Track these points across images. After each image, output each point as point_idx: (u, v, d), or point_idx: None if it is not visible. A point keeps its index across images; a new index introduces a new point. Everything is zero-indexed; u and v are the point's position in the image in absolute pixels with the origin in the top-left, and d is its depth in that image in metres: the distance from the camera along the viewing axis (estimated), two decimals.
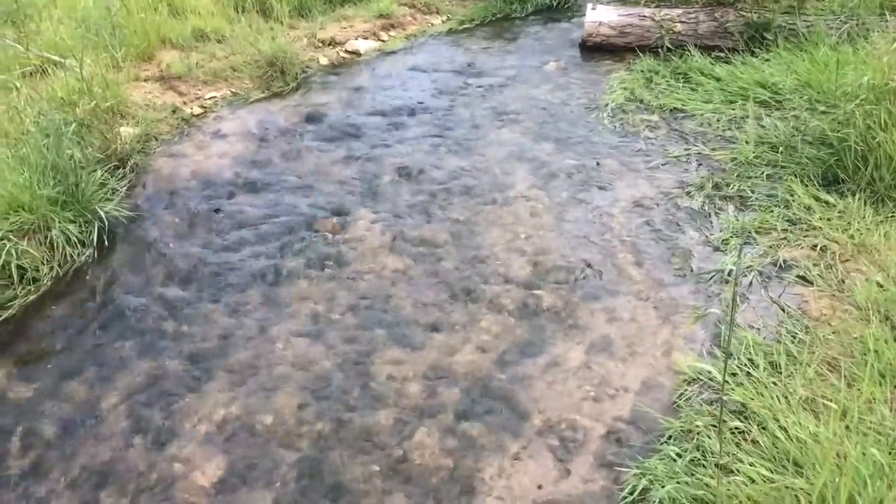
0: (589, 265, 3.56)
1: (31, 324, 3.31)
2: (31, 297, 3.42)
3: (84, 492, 2.60)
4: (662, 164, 4.32)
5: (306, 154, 4.62)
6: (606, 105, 5.03)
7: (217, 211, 4.03)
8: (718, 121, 4.67)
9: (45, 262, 3.51)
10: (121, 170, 4.26)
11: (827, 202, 3.69)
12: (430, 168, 4.40)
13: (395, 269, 3.60)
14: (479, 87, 5.48)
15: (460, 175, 4.33)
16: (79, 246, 3.64)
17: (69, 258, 3.60)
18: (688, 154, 4.39)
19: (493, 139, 4.72)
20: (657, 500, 2.37)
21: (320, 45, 6.27)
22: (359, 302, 3.41)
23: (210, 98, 5.28)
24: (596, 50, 5.92)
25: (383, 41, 6.51)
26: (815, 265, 3.33)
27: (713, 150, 4.39)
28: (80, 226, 3.66)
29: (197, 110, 5.12)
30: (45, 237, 3.54)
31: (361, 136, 4.82)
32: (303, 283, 3.53)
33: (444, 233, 3.84)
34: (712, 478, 2.32)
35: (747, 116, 4.57)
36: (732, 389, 2.65)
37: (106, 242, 3.75)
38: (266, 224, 3.95)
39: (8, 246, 3.33)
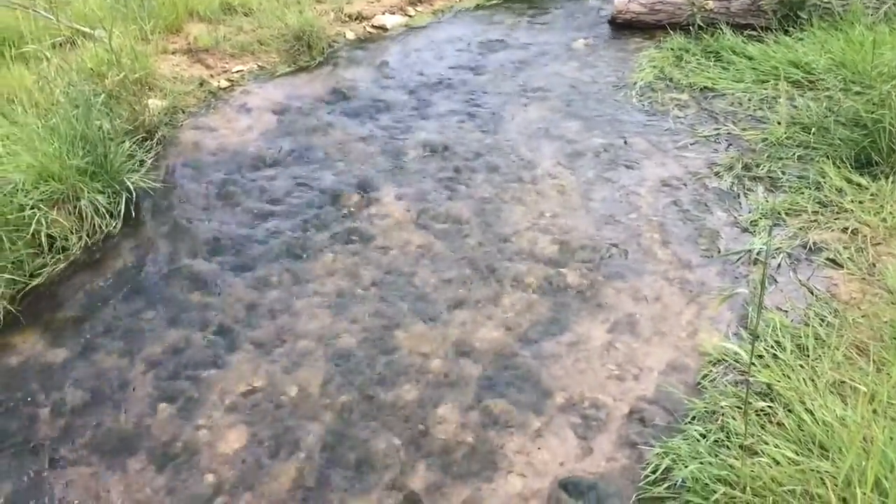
0: (615, 244, 3.53)
1: (60, 292, 3.35)
2: (61, 266, 3.46)
3: (110, 457, 2.64)
4: (691, 144, 4.26)
5: (332, 129, 4.61)
6: (635, 83, 4.96)
7: (242, 184, 4.04)
8: (749, 100, 4.59)
9: (73, 232, 3.55)
10: (148, 142, 4.29)
11: (859, 184, 3.63)
12: (456, 145, 4.38)
13: (419, 245, 3.60)
14: (506, 63, 5.43)
15: (486, 152, 4.30)
16: (107, 216, 3.67)
17: (97, 228, 3.64)
18: (717, 134, 4.33)
19: (519, 116, 4.68)
20: (680, 480, 2.37)
21: (347, 19, 6.24)
22: (383, 277, 3.41)
23: (237, 71, 5.29)
24: (625, 27, 5.84)
25: (410, 16, 6.46)
26: (845, 248, 3.28)
27: (743, 130, 4.32)
28: (109, 196, 3.69)
29: (224, 83, 5.13)
30: (75, 207, 3.57)
31: (387, 112, 4.80)
32: (327, 258, 3.54)
33: (468, 210, 3.82)
34: (736, 459, 2.30)
35: (779, 96, 4.49)
36: (759, 371, 2.63)
37: (133, 213, 3.78)
38: (291, 198, 3.96)
39: (38, 215, 3.37)
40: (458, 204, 3.87)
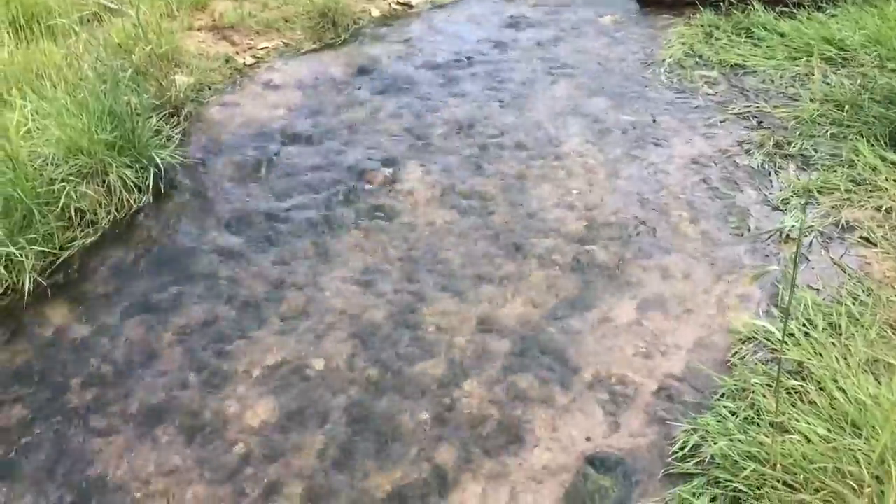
0: (643, 222, 3.50)
1: (90, 265, 3.38)
2: (90, 240, 3.49)
3: (141, 427, 2.67)
4: (721, 121, 4.20)
5: (357, 106, 4.60)
6: (664, 60, 4.89)
7: (268, 160, 4.05)
8: (781, 77, 4.51)
9: (102, 206, 3.57)
10: (175, 117, 4.30)
11: (893, 162, 3.56)
12: (482, 121, 4.35)
13: (445, 222, 3.58)
14: (533, 40, 5.37)
15: (512, 129, 4.27)
16: (135, 191, 3.69)
17: (126, 203, 3.66)
18: (748, 111, 4.26)
19: (546, 93, 4.63)
20: (709, 456, 2.35)
21: None
22: (408, 253, 3.41)
23: (262, 48, 5.28)
24: (654, 3, 5.73)
25: None
26: (879, 227, 3.23)
27: (775, 107, 4.25)
28: (137, 171, 3.71)
29: (249, 60, 5.12)
30: (103, 181, 3.59)
31: (412, 89, 4.77)
32: (353, 234, 3.54)
33: (494, 187, 3.80)
34: (766, 436, 2.28)
35: (812, 73, 4.41)
36: (790, 349, 2.60)
37: (161, 188, 3.79)
38: (317, 174, 3.96)
39: (68, 188, 3.39)
40: (484, 180, 3.85)
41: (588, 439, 2.55)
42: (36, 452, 2.59)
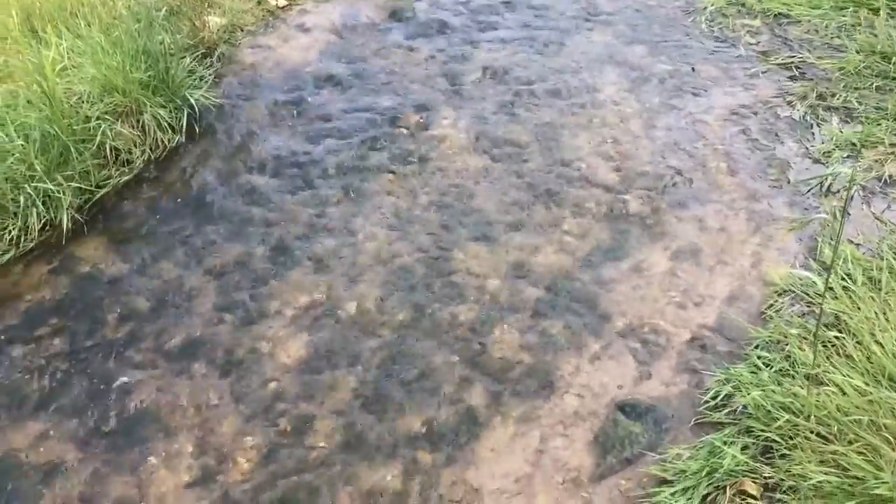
0: (679, 172, 3.44)
1: (125, 204, 3.41)
2: (125, 178, 3.51)
3: (176, 362, 2.72)
4: (763, 72, 4.09)
5: (390, 50, 4.53)
6: (705, 8, 4.74)
7: (300, 103, 4.02)
8: (826, 27, 4.37)
9: (137, 145, 3.58)
10: (208, 58, 4.27)
11: None
12: (517, 68, 4.27)
13: (477, 168, 3.55)
14: None
15: (547, 76, 4.19)
16: (169, 131, 3.69)
17: (160, 143, 3.67)
18: (791, 62, 4.14)
19: (582, 41, 4.53)
20: (741, 406, 2.34)
21: None
22: (441, 199, 3.39)
23: None
24: None
25: None
26: None
27: (819, 58, 4.12)
28: (170, 111, 3.70)
29: (282, 3, 5.05)
30: (138, 121, 3.59)
31: (447, 34, 4.69)
32: (385, 178, 3.52)
33: (528, 134, 3.75)
34: (801, 387, 2.27)
35: (858, 24, 4.26)
36: (827, 302, 2.56)
37: (195, 129, 3.79)
38: (349, 118, 3.93)
39: (103, 126, 3.40)
40: (517, 128, 3.80)
41: (619, 386, 2.55)
42: (75, 383, 2.65)
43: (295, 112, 3.98)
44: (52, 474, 2.40)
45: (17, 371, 2.70)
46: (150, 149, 3.63)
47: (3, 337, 2.82)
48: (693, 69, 4.16)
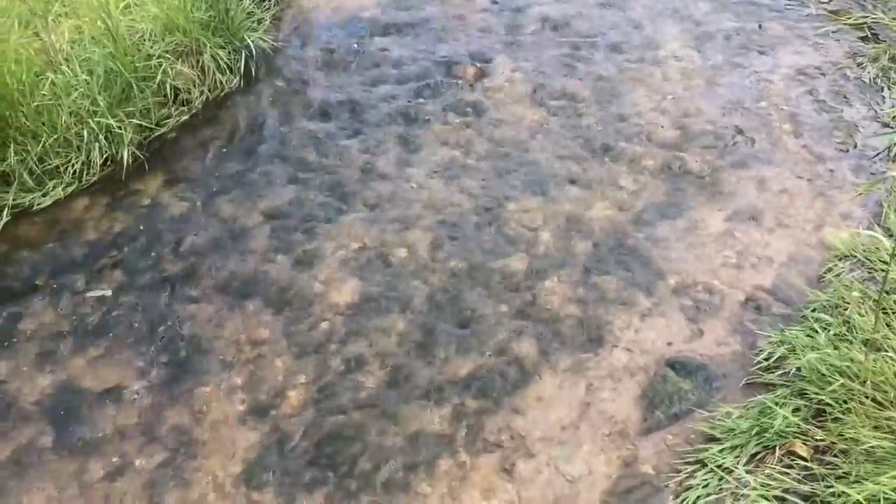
0: (740, 131, 3.36)
1: (184, 143, 3.46)
2: (184, 118, 3.55)
3: (231, 298, 2.78)
4: (833, 31, 3.94)
5: None
6: None
7: (357, 49, 4.01)
8: None
9: (196, 86, 3.61)
10: (266, 1, 4.26)
11: None
12: (576, 20, 4.18)
13: (533, 120, 3.51)
14: None
15: (607, 30, 4.10)
16: (227, 72, 3.71)
17: (218, 84, 3.69)
18: (864, 22, 3.98)
19: None
20: (795, 369, 2.31)
21: None
22: (495, 149, 3.37)
23: None
24: None
25: None
26: None
27: (893, 19, 3.96)
28: (229, 52, 3.72)
29: None
30: (197, 61, 3.62)
31: None
32: (440, 127, 3.51)
33: (586, 88, 3.69)
34: (859, 352, 2.22)
35: None
36: (892, 269, 2.49)
37: (252, 71, 3.81)
38: (406, 65, 3.90)
39: (164, 65, 3.44)
40: (575, 81, 3.73)
41: (669, 344, 2.54)
42: (132, 314, 2.73)
43: (351, 57, 3.97)
44: (111, 401, 2.48)
45: (78, 302, 2.78)
46: (209, 89, 3.66)
47: (66, 268, 2.91)
48: (760, 26, 4.03)
